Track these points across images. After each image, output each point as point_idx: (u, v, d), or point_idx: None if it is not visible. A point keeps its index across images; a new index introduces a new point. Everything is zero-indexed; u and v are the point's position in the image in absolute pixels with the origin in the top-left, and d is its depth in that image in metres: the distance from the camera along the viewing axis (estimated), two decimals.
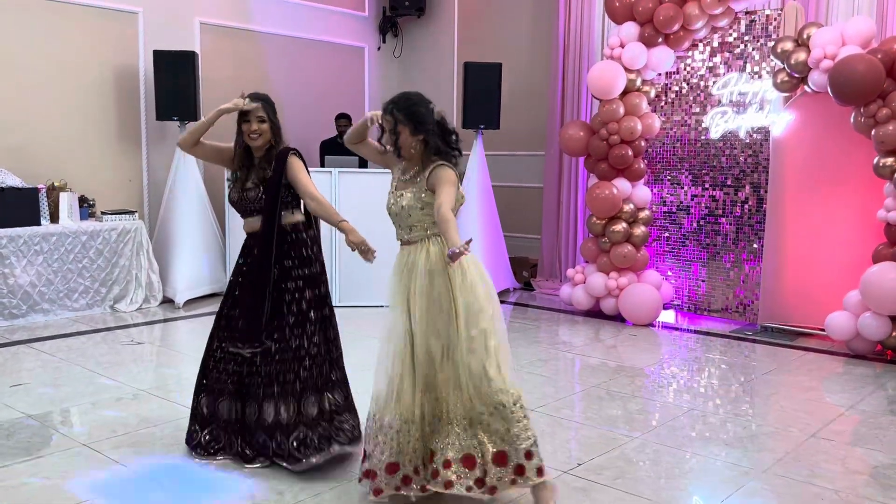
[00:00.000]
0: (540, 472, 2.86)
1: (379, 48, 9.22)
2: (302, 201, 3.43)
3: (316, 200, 3.32)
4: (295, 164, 3.35)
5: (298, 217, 3.44)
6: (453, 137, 2.99)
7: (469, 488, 2.80)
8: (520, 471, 2.84)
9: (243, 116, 3.38)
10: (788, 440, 3.82)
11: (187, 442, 3.51)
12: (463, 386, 2.83)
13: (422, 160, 2.97)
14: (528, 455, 2.85)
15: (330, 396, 3.46)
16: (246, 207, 3.43)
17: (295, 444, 3.31)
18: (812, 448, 3.71)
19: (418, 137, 2.91)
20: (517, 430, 2.83)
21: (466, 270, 2.81)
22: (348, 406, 3.54)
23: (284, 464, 3.30)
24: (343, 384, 3.55)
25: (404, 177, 3.01)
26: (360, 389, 3.58)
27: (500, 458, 2.83)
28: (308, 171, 3.41)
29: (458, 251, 2.60)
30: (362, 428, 3.30)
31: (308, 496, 3.11)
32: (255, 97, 3.39)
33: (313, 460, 3.28)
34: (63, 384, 4.54)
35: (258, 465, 3.36)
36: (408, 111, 2.91)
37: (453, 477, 2.82)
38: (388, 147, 3.01)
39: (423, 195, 2.93)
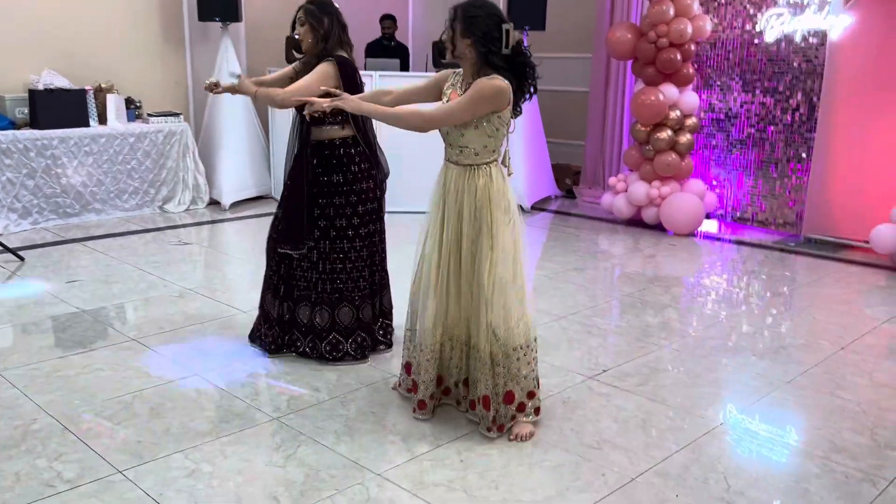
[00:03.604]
0: (537, 411, 2.97)
1: None
2: (351, 117, 3.43)
3: (285, 93, 3.25)
4: (318, 69, 3.33)
5: (347, 132, 3.45)
6: (516, 56, 2.73)
7: (489, 428, 2.89)
8: (521, 408, 2.93)
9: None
10: (818, 352, 3.83)
11: (250, 336, 3.77)
12: (483, 326, 2.83)
13: (473, 71, 2.79)
14: (531, 394, 2.94)
15: (370, 306, 3.61)
16: (311, 120, 3.44)
17: (328, 347, 3.49)
18: (841, 360, 3.73)
19: (466, 41, 2.73)
20: (526, 371, 2.90)
21: (505, 205, 2.80)
22: (384, 313, 3.72)
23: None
24: (383, 292, 3.70)
25: (460, 90, 2.83)
26: (398, 294, 3.71)
27: (509, 397, 2.89)
28: (337, 85, 3.34)
29: (317, 107, 2.76)
30: (399, 333, 3.45)
31: (344, 392, 3.27)
32: (305, 3, 3.40)
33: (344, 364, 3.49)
34: (115, 281, 4.75)
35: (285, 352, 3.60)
36: (466, 9, 2.74)
37: (479, 416, 2.92)
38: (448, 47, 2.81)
39: None
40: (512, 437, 2.89)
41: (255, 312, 3.77)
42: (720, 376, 3.55)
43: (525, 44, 2.84)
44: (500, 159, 2.89)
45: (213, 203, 7.00)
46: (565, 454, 2.80)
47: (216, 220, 6.56)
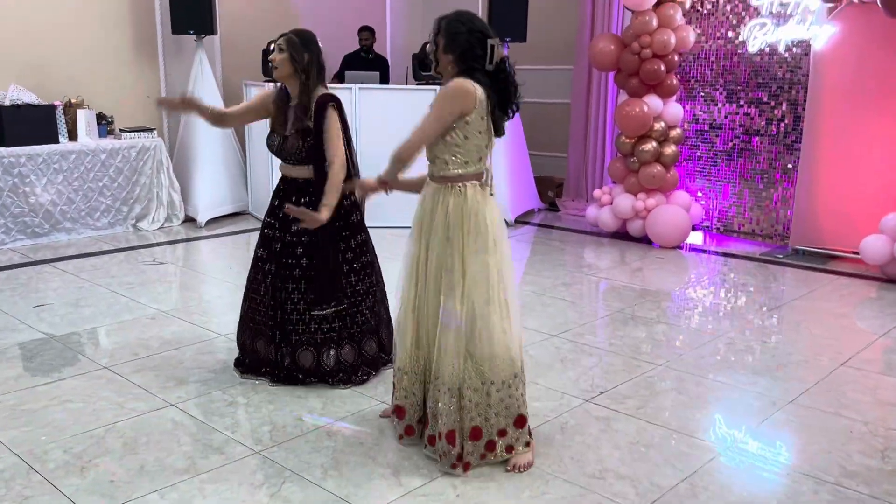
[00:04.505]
0: (509, 449, 2.74)
1: None
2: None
3: (334, 168, 3.15)
4: (331, 117, 3.19)
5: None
6: (498, 73, 2.62)
7: (453, 465, 2.68)
8: (490, 447, 2.73)
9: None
10: (817, 369, 3.73)
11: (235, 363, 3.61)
12: (454, 354, 2.64)
13: None
14: (502, 433, 2.72)
15: (373, 341, 3.50)
16: (286, 156, 3.30)
17: (331, 381, 3.41)
18: (842, 377, 3.62)
19: (448, 57, 2.63)
20: (498, 408, 2.69)
21: (481, 227, 2.64)
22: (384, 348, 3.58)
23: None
24: (387, 326, 3.57)
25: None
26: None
27: (475, 433, 2.69)
28: (344, 127, 3.26)
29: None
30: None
31: (328, 421, 3.10)
32: (291, 31, 3.27)
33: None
34: (86, 305, 4.55)
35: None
36: (448, 24, 2.63)
37: (442, 451, 2.70)
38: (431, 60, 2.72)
39: None
40: (509, 468, 2.73)
41: (235, 336, 3.60)
42: (721, 396, 3.43)
43: (508, 60, 2.70)
44: (483, 178, 2.73)
45: (189, 220, 6.80)
46: (567, 485, 2.65)
47: (191, 238, 6.37)
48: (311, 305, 3.33)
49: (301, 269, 3.33)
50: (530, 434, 2.82)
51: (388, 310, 3.58)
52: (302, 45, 3.22)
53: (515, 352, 2.73)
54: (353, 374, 3.42)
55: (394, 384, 2.95)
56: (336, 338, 3.38)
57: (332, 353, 3.38)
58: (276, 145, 3.30)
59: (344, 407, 3.23)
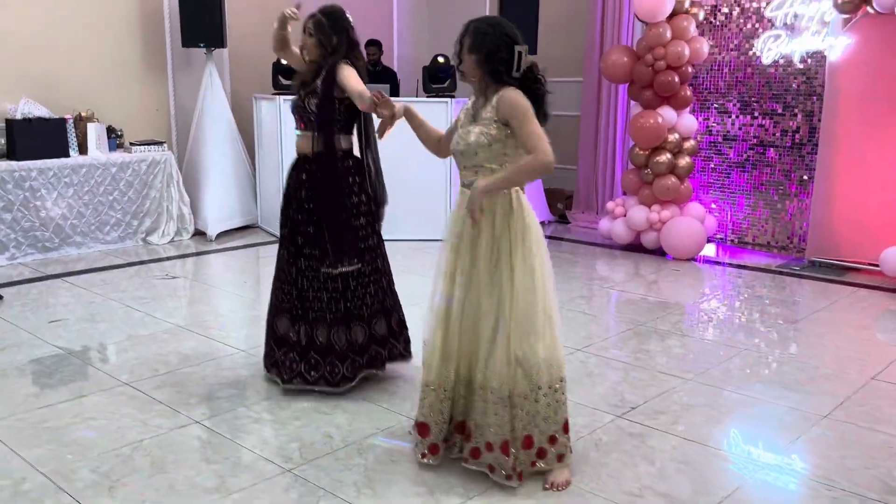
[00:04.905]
0: (560, 458, 2.70)
1: None
2: (350, 126, 3.28)
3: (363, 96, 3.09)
4: (345, 69, 3.15)
5: (343, 144, 3.28)
6: (529, 83, 2.61)
7: (509, 476, 2.62)
8: (541, 454, 2.68)
9: None
10: (847, 383, 3.68)
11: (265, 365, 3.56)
12: (504, 362, 2.59)
13: (480, 88, 2.67)
14: (552, 440, 2.69)
15: (384, 323, 3.47)
16: (301, 115, 3.29)
17: (349, 367, 3.37)
18: (873, 391, 3.58)
19: (472, 57, 2.60)
20: (547, 412, 2.65)
21: (527, 233, 2.61)
22: (399, 330, 3.56)
23: (328, 388, 3.35)
24: (394, 313, 3.54)
25: (472, 110, 2.71)
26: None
27: (528, 442, 2.65)
28: (366, 117, 3.27)
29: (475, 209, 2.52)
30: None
31: (359, 437, 3.04)
32: (320, 10, 3.23)
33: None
34: (100, 320, 4.49)
35: (293, 385, 3.39)
36: (477, 25, 2.61)
37: (495, 463, 2.64)
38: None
39: (492, 129, 2.59)
40: (547, 486, 2.68)
41: (256, 350, 3.55)
42: (753, 411, 3.38)
43: (538, 68, 2.66)
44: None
45: (199, 234, 6.74)
46: None
47: (202, 252, 6.31)
48: (325, 264, 3.29)
49: (309, 237, 3.31)
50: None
51: (397, 299, 3.55)
52: (331, 27, 3.21)
53: (560, 355, 2.69)
54: (362, 353, 3.40)
55: (418, 400, 2.88)
56: (346, 317, 3.34)
57: (342, 332, 3.34)
58: (294, 105, 3.36)
59: (371, 423, 3.17)
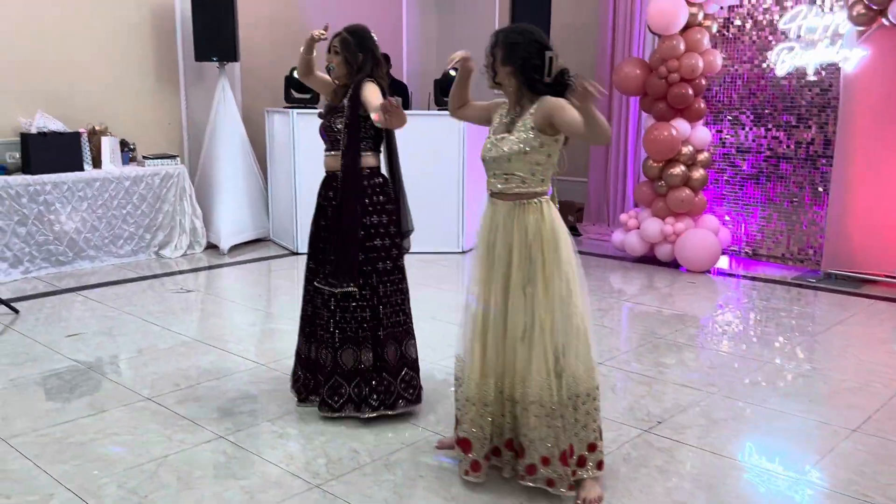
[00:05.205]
0: (600, 465, 2.71)
1: None
2: (378, 143, 3.27)
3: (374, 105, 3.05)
4: (369, 85, 3.15)
5: (370, 161, 3.26)
6: (561, 88, 2.59)
7: (571, 486, 2.62)
8: (581, 462, 2.68)
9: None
10: (874, 396, 3.65)
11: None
12: (543, 373, 2.58)
13: (515, 98, 2.67)
14: (592, 447, 2.69)
15: (397, 349, 3.35)
16: (328, 136, 3.28)
17: (375, 395, 3.26)
18: None
19: (506, 69, 2.62)
20: (586, 420, 2.66)
21: (559, 243, 2.60)
22: (409, 363, 3.36)
23: (355, 413, 3.25)
24: (406, 338, 3.40)
25: (506, 119, 2.70)
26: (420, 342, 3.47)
27: (570, 451, 2.64)
28: (388, 133, 3.26)
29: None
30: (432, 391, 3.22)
31: (386, 453, 3.01)
32: (345, 29, 3.23)
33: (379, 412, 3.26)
34: (118, 333, 4.47)
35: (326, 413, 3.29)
36: (506, 36, 2.63)
37: (554, 476, 2.61)
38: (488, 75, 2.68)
39: (529, 136, 2.58)
40: (579, 502, 2.65)
41: (275, 364, 3.53)
42: (780, 425, 3.35)
43: (570, 73, 2.66)
44: (550, 193, 2.72)
45: (211, 247, 6.73)
46: None
47: (214, 266, 6.30)
48: (323, 278, 3.24)
49: (323, 255, 3.28)
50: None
51: (410, 321, 3.38)
52: (356, 45, 3.20)
53: (594, 362, 2.69)
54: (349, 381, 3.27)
55: (457, 416, 2.86)
56: (342, 340, 3.22)
57: (350, 355, 3.24)
58: (322, 126, 3.33)
59: (397, 439, 3.15)
